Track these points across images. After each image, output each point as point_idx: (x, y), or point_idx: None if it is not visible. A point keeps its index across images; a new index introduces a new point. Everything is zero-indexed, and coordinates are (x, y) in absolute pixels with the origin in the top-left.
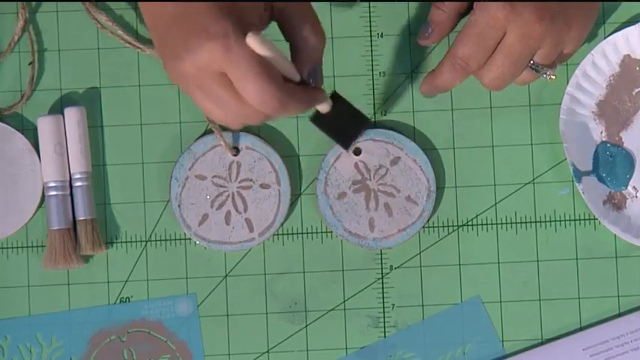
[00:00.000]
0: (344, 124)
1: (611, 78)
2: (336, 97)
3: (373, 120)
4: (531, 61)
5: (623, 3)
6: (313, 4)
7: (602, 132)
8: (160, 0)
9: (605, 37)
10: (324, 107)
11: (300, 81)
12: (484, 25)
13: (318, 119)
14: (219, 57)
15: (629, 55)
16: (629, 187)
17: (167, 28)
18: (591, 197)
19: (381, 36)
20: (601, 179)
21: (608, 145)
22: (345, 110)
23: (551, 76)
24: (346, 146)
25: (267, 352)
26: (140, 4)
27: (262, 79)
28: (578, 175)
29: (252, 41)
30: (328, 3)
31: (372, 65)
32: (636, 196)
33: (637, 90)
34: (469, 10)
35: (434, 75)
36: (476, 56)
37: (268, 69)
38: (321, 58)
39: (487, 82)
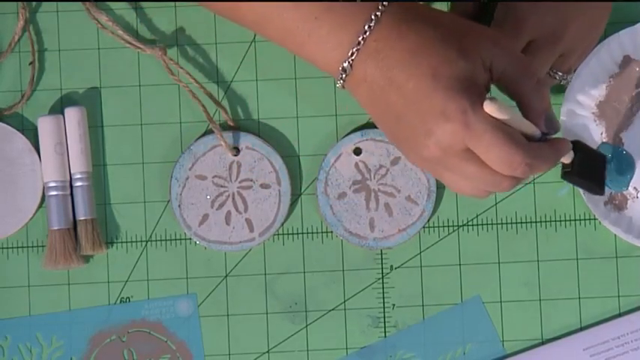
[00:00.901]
0: (589, 170)
1: (611, 79)
2: (576, 144)
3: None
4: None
5: (622, 3)
6: None
7: (602, 133)
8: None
9: (605, 38)
10: (566, 158)
11: (541, 136)
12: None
13: (567, 174)
14: (461, 135)
15: (629, 56)
16: (630, 188)
17: (399, 117)
18: (592, 198)
19: None
20: None
21: (609, 146)
22: (585, 153)
23: (568, 81)
24: (602, 192)
25: (267, 352)
26: (359, 100)
27: (507, 145)
28: None
29: (490, 108)
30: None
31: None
32: (637, 197)
33: (637, 91)
34: (485, 18)
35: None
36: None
37: (510, 134)
38: (549, 105)
39: None
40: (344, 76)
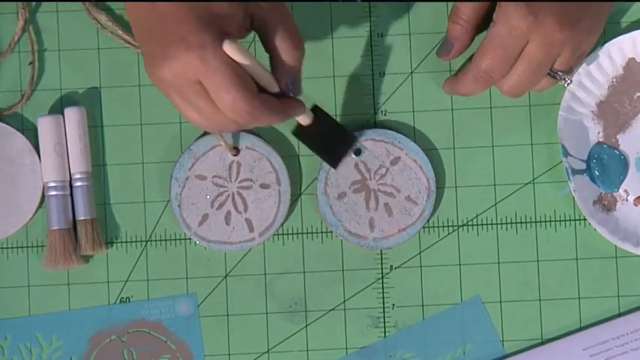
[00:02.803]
0: (329, 140)
1: (614, 80)
2: (318, 111)
3: (373, 120)
4: (550, 68)
5: (630, 4)
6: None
7: (599, 132)
8: (139, 0)
9: (606, 39)
10: (304, 120)
11: (278, 92)
12: (506, 36)
13: (300, 133)
14: (195, 67)
15: (634, 59)
16: (621, 190)
17: (147, 33)
18: (582, 196)
19: (381, 36)
20: (593, 179)
21: (604, 146)
22: (329, 125)
23: (568, 82)
24: (334, 165)
25: (267, 352)
26: (127, 7)
27: (236, 89)
28: (571, 172)
29: (229, 49)
30: (328, 3)
31: (372, 65)
32: (627, 200)
33: (638, 94)
34: (486, 21)
35: (457, 82)
36: (499, 68)
37: (242, 79)
38: (299, 69)
39: (507, 89)
40: None
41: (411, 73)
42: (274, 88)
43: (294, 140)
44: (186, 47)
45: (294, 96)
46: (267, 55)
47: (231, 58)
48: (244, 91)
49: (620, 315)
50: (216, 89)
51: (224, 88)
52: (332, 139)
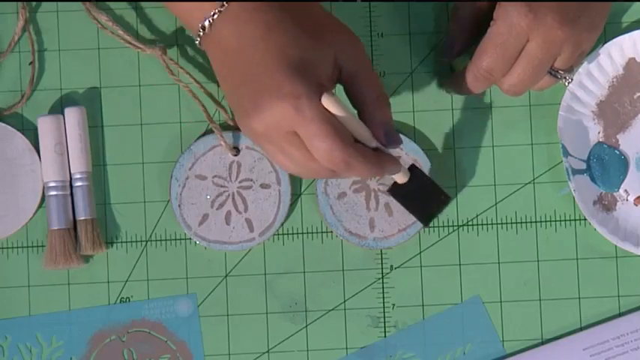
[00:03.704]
0: (422, 199)
1: (614, 79)
2: (415, 171)
3: None
4: (550, 67)
5: (630, 4)
6: None
7: (599, 132)
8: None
9: (607, 39)
10: (400, 178)
11: (376, 147)
12: (507, 34)
13: (395, 191)
14: (289, 117)
15: (634, 59)
16: (621, 190)
17: (238, 85)
18: (582, 196)
19: (381, 36)
20: (593, 179)
21: (604, 146)
22: (424, 184)
23: (569, 81)
24: (425, 223)
25: (267, 352)
26: (211, 59)
27: (331, 138)
28: (572, 172)
29: (327, 102)
30: (328, 3)
31: (372, 65)
32: (627, 200)
33: (638, 94)
34: (487, 21)
35: (457, 81)
36: (499, 66)
37: (338, 128)
38: (392, 121)
39: (507, 88)
40: (201, 33)
41: (411, 73)
42: (371, 143)
43: None
44: (280, 97)
45: (393, 147)
46: None
47: (326, 110)
48: (340, 141)
49: (620, 315)
50: (312, 139)
51: (320, 137)
52: (426, 197)
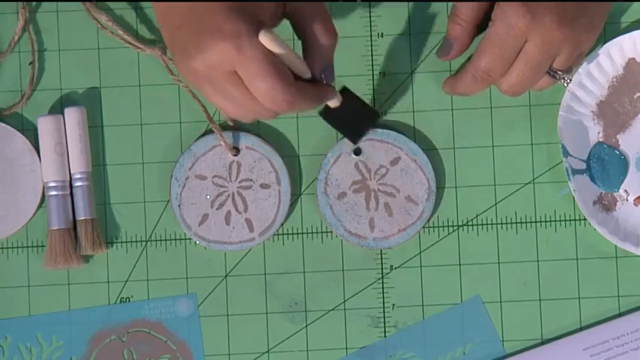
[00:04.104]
0: (354, 119)
1: (614, 79)
2: (345, 92)
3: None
4: (549, 67)
5: (630, 4)
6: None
7: (599, 132)
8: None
9: (606, 39)
10: (334, 102)
11: (311, 78)
12: (505, 35)
13: (327, 114)
14: (231, 57)
15: (634, 59)
16: (621, 190)
17: (178, 26)
18: (582, 196)
19: (381, 36)
20: (593, 179)
21: (604, 146)
22: (355, 104)
23: (568, 81)
24: (355, 140)
25: (267, 352)
26: (154, 5)
27: (273, 77)
28: (572, 172)
29: (264, 39)
30: (328, 3)
31: (372, 65)
32: (627, 200)
33: (638, 94)
34: (486, 21)
35: (456, 82)
36: (498, 67)
37: (279, 67)
38: (332, 56)
39: (506, 88)
40: None
41: (411, 73)
42: (307, 75)
43: (294, 140)
44: (222, 37)
45: (328, 82)
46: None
47: (266, 48)
48: (281, 80)
49: (620, 315)
50: (253, 78)
51: (261, 77)
52: (357, 117)
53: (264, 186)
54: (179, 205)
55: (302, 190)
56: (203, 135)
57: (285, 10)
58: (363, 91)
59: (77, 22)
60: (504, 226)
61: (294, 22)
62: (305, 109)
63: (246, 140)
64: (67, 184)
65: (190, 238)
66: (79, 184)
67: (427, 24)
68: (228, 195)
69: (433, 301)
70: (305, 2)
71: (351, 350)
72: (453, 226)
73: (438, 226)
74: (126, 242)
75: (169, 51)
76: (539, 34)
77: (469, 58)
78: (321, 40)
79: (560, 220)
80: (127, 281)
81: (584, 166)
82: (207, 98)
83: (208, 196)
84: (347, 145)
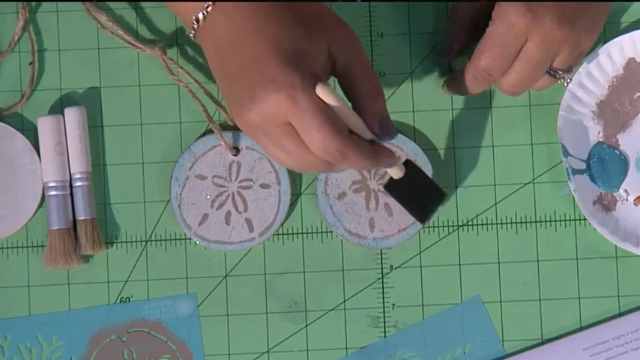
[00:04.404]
0: (419, 195)
1: (614, 79)
2: (410, 166)
3: None
4: (549, 67)
5: (630, 4)
6: None
7: (599, 132)
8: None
9: (606, 39)
10: (395, 172)
11: (371, 140)
12: (505, 34)
13: (391, 187)
14: (285, 108)
15: (634, 59)
16: (621, 190)
17: (234, 77)
18: (582, 196)
19: (381, 36)
20: (593, 179)
21: (604, 146)
22: (420, 180)
23: (568, 81)
24: (420, 220)
25: (267, 352)
26: (205, 52)
27: (326, 128)
28: (572, 172)
29: (322, 92)
30: (328, 3)
31: (372, 65)
32: (627, 200)
33: (638, 94)
34: (486, 21)
35: (456, 81)
36: (498, 66)
37: (333, 119)
38: (387, 112)
39: (506, 88)
40: (196, 26)
41: (411, 73)
42: (366, 135)
43: None
44: (275, 88)
45: (388, 139)
46: None
47: (322, 100)
48: (335, 131)
49: (620, 315)
50: (307, 129)
51: (315, 127)
52: (422, 194)
53: (264, 186)
54: (179, 205)
55: (302, 190)
56: (203, 135)
57: (335, 68)
58: None
59: (77, 22)
60: (504, 226)
61: (342, 80)
62: (360, 164)
63: (246, 140)
64: (67, 184)
65: (190, 238)
66: (79, 184)
67: (427, 24)
68: (228, 195)
69: (433, 301)
70: (354, 60)
71: (351, 350)
72: (453, 226)
73: (438, 226)
74: (126, 242)
75: (225, 101)
76: (540, 33)
77: (469, 58)
78: (372, 98)
79: (560, 220)
80: (126, 281)
81: (584, 166)
82: (262, 147)
83: (208, 196)
84: None
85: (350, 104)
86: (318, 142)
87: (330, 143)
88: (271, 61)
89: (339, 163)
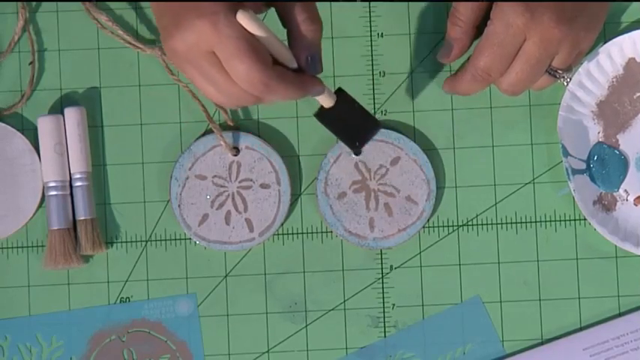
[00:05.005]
0: (352, 125)
1: (614, 79)
2: (342, 94)
3: None
4: (549, 66)
5: (630, 4)
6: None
7: (599, 132)
8: None
9: (606, 39)
10: (326, 101)
11: (297, 68)
12: (503, 34)
13: (322, 115)
14: (207, 35)
15: (634, 59)
16: (621, 190)
17: (165, 5)
18: (582, 196)
19: (381, 36)
20: (593, 179)
21: (604, 146)
22: (353, 109)
23: (568, 80)
24: (353, 148)
25: (267, 352)
26: None
27: (250, 58)
28: (571, 172)
29: (243, 19)
30: (328, 3)
31: (372, 65)
32: (627, 200)
33: (638, 94)
34: (485, 21)
35: (455, 81)
36: (497, 66)
37: (256, 49)
38: (319, 46)
39: (505, 87)
40: None
41: (411, 73)
42: (293, 64)
43: (294, 140)
44: (198, 15)
45: (314, 73)
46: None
47: (245, 29)
48: (258, 61)
49: (620, 315)
50: (230, 58)
51: (237, 57)
52: (356, 123)
53: (264, 186)
54: (179, 205)
55: (302, 190)
56: (203, 135)
57: None
58: (363, 91)
59: (77, 22)
60: (504, 226)
61: (278, 9)
62: (286, 96)
63: (246, 140)
64: (67, 184)
65: (190, 238)
66: (79, 184)
67: (427, 24)
68: (228, 195)
69: (433, 301)
70: None
71: (351, 350)
72: (452, 226)
73: (438, 226)
74: (126, 242)
75: (159, 31)
76: (538, 32)
77: (469, 58)
78: (306, 25)
79: (560, 220)
80: (126, 281)
81: (584, 166)
82: (191, 81)
83: (208, 196)
84: None
85: (275, 34)
86: (241, 72)
87: (253, 74)
88: None
89: (264, 95)
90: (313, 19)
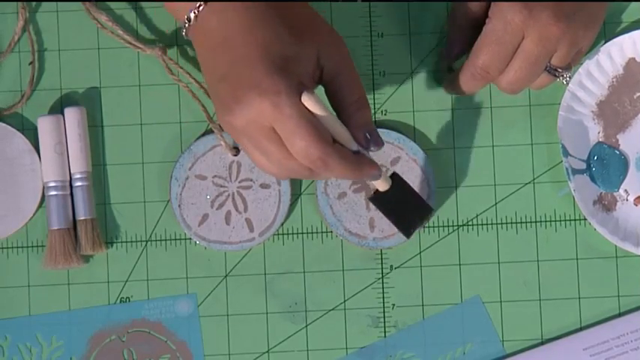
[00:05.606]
0: (404, 209)
1: (614, 79)
2: (396, 178)
3: (374, 120)
4: (548, 64)
5: (630, 3)
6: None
7: (599, 132)
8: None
9: (606, 39)
10: (381, 185)
11: (357, 151)
12: (502, 32)
13: (377, 199)
14: (268, 113)
15: (634, 59)
16: (621, 190)
17: (220, 79)
18: (582, 196)
19: (381, 36)
20: (593, 179)
21: (604, 146)
22: (407, 194)
23: (567, 79)
24: (405, 233)
25: (267, 352)
26: (196, 50)
27: (309, 135)
28: (572, 172)
29: (307, 100)
30: (328, 3)
31: (372, 65)
32: (627, 200)
33: (638, 94)
34: (484, 19)
35: (455, 80)
36: (496, 64)
37: (317, 127)
38: (371, 123)
39: (504, 85)
40: (187, 24)
41: (411, 73)
42: (352, 146)
43: None
44: (259, 93)
45: (374, 149)
46: None
47: (306, 108)
48: (318, 138)
49: (620, 315)
50: (290, 136)
51: (298, 134)
52: (408, 207)
53: (264, 186)
54: (179, 205)
55: (302, 190)
56: (203, 135)
57: (322, 77)
58: None
59: (77, 22)
60: (504, 226)
61: (329, 89)
62: (342, 175)
63: None
64: (67, 184)
65: (190, 238)
66: (79, 184)
67: (427, 24)
68: (228, 195)
69: (433, 301)
70: (342, 69)
71: (351, 350)
72: (452, 226)
73: (438, 226)
74: (126, 242)
75: (212, 102)
76: (536, 29)
77: (467, 57)
78: (358, 109)
79: (560, 220)
80: (126, 281)
81: (584, 166)
82: (244, 151)
83: (208, 196)
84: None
85: (335, 114)
86: (300, 148)
87: (313, 151)
88: (258, 65)
89: (321, 170)
90: (364, 99)
